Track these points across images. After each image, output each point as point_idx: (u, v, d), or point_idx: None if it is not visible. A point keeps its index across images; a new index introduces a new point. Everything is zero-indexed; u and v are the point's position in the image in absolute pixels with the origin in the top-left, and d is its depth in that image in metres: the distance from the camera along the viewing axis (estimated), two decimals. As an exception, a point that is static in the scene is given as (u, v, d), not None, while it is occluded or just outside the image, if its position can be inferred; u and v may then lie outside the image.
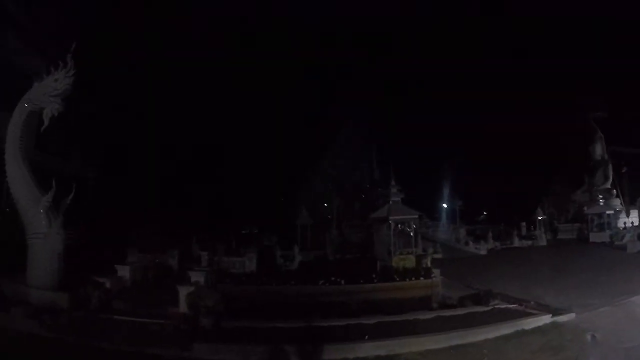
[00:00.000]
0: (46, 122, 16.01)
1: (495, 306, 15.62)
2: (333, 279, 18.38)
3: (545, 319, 14.13)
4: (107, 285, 16.75)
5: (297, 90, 56.94)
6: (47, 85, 16.15)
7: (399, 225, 24.17)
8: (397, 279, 19.14)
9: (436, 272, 20.08)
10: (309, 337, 11.90)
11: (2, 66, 24.48)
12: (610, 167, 52.75)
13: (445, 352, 11.35)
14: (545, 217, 50.91)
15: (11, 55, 25.23)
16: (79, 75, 16.23)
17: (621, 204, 50.10)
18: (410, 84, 65.96)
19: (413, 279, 19.29)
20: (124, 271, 19.60)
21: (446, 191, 55.78)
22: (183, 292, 14.82)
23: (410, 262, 22.01)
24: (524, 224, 50.49)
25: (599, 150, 53.69)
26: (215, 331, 12.74)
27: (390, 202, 25.00)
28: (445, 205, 55.81)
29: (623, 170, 53.07)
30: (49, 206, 15.85)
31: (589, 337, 11.95)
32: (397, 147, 57.22)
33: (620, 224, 45.39)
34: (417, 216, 24.85)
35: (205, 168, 48.32)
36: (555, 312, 14.73)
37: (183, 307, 14.50)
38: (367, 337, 11.75)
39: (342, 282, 18.23)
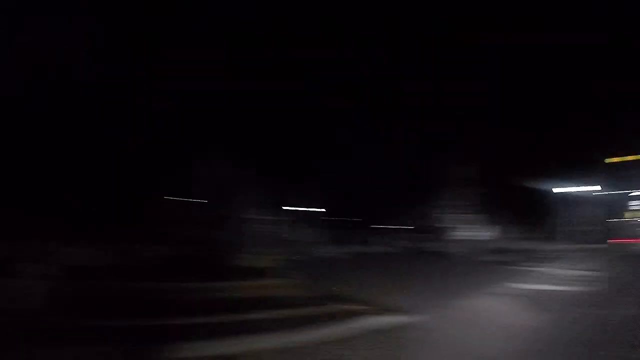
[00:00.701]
0: None
1: (340, 306, 16.05)
2: (181, 276, 18.13)
3: (386, 319, 14.82)
4: None
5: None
6: None
7: (254, 224, 24.22)
8: (249, 278, 19.13)
9: (289, 272, 20.33)
10: (154, 335, 11.73)
11: None
12: (470, 186, 56.78)
13: (287, 352, 11.56)
14: (405, 225, 53.35)
15: None
16: None
17: (460, 218, 54.23)
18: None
19: (265, 278, 19.40)
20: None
21: (307, 192, 56.39)
22: (36, 287, 14.05)
23: (262, 261, 22.12)
24: (379, 230, 52.37)
25: (459, 170, 57.31)
26: (56, 330, 12.18)
27: (248, 200, 24.98)
28: (304, 207, 56.52)
29: (469, 190, 57.50)
30: None
31: (423, 335, 12.81)
32: (260, 143, 56.83)
33: (456, 236, 48.98)
34: (274, 216, 25.01)
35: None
36: (396, 313, 15.49)
37: (35, 303, 13.71)
38: (211, 336, 11.73)
39: (192, 279, 17.97)
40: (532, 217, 64.34)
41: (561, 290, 23.83)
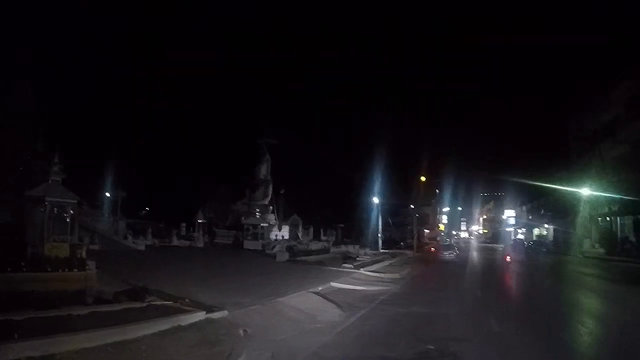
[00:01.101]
0: None
1: (152, 302, 15.43)
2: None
3: (200, 315, 14.46)
4: None
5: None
6: None
7: (55, 209, 22.34)
8: (49, 270, 17.62)
9: (91, 264, 19.22)
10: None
11: None
12: (270, 186, 58.47)
13: (102, 349, 10.75)
14: (205, 221, 53.34)
15: None
16: None
17: (275, 219, 55.82)
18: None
19: (66, 270, 18.01)
20: None
21: (109, 180, 53.96)
22: None
23: (64, 251, 20.38)
24: (184, 224, 52.04)
25: (263, 170, 59.39)
26: None
27: (50, 181, 22.96)
28: (107, 195, 54.07)
29: (281, 192, 59.56)
30: None
31: (241, 331, 13.00)
32: (68, 120, 53.25)
33: (273, 236, 50.01)
34: (76, 202, 23.21)
35: None
36: (210, 309, 15.23)
37: None
38: (16, 335, 10.35)
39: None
40: (346, 222, 68.55)
41: (366, 290, 25.61)
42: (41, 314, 12.37)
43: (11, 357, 9.59)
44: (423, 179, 78.73)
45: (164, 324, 12.97)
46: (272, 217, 56.06)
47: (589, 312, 22.02)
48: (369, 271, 33.73)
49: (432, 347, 12.99)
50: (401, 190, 74.38)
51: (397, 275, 33.01)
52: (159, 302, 15.58)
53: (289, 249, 42.34)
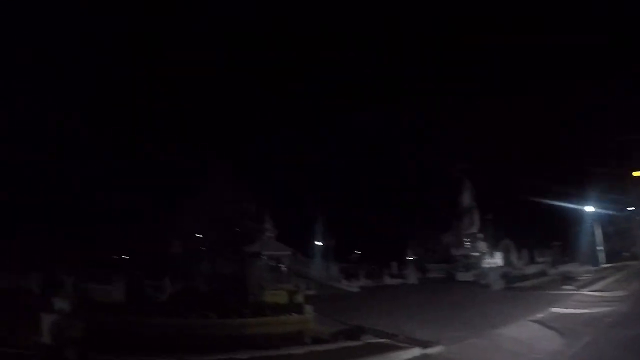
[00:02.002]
0: None
1: (367, 341, 15.64)
2: (204, 312, 17.75)
3: (416, 351, 14.39)
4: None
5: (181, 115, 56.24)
6: None
7: (272, 261, 23.88)
8: (270, 314, 18.69)
9: (308, 308, 19.91)
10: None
11: None
12: (476, 213, 56.22)
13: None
14: (415, 257, 52.77)
15: None
16: None
17: (486, 246, 53.33)
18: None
19: (285, 314, 18.97)
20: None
21: (320, 228, 55.97)
22: (46, 320, 13.75)
23: (282, 297, 21.69)
24: (395, 263, 51.86)
25: (466, 198, 57.35)
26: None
27: (264, 237, 24.70)
28: (318, 243, 56.07)
29: (488, 217, 56.73)
30: None
31: None
32: (272, 182, 57.12)
33: (485, 265, 48.00)
34: (290, 252, 24.71)
35: (74, 188, 46.21)
36: (425, 345, 15.02)
37: (46, 336, 13.43)
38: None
39: (214, 315, 17.61)
40: (561, 239, 62.63)
41: (590, 313, 23.62)
42: (262, 353, 13.19)
43: None
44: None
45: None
46: (482, 245, 53.81)
47: None
48: (592, 291, 31.56)
49: None
50: (615, 193, 64.55)
51: (623, 293, 30.23)
52: (374, 340, 15.78)
53: (503, 276, 40.84)
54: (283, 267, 24.04)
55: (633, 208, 66.28)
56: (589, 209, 56.95)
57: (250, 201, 51.54)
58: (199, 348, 13.41)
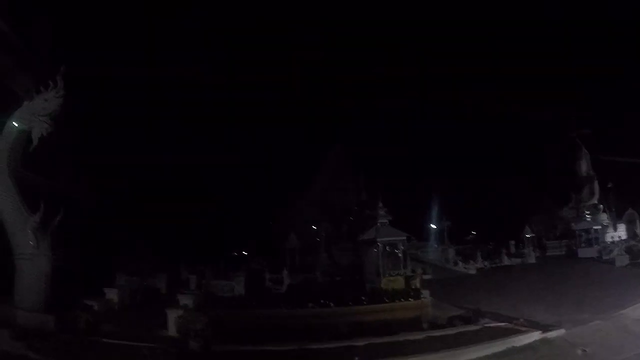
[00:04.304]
0: (35, 142, 16.07)
1: (485, 325, 15.53)
2: (322, 301, 18.25)
3: (535, 335, 14.11)
4: (95, 307, 16.78)
5: (286, 112, 57.28)
6: (37, 104, 16.24)
7: (387, 247, 23.98)
8: (387, 301, 18.92)
9: (425, 293, 19.97)
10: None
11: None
12: (596, 183, 53.35)
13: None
14: (533, 234, 50.79)
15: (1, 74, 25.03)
16: (69, 95, 16.30)
17: (608, 218, 50.26)
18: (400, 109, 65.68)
19: (402, 300, 19.14)
20: (112, 294, 19.62)
21: (434, 211, 55.44)
22: (172, 315, 14.85)
23: (399, 283, 21.85)
24: (512, 242, 50.47)
25: (584, 167, 54.35)
26: (204, 355, 12.63)
27: (378, 224, 24.83)
28: (433, 226, 55.58)
29: (609, 186, 53.21)
30: (36, 227, 15.74)
31: (579, 351, 12.10)
32: (384, 168, 57.05)
33: (608, 239, 45.51)
34: (405, 237, 24.65)
35: (195, 190, 48.18)
36: (545, 329, 14.71)
37: (172, 330, 14.44)
38: (357, 359, 11.56)
39: (332, 304, 18.09)
40: None
41: None
42: (380, 339, 13.53)
43: None
44: None
45: (497, 346, 13.04)
46: (604, 217, 50.72)
47: None
48: None
49: None
50: None
51: None
52: (492, 324, 15.66)
53: (628, 250, 38.24)
54: (399, 253, 24.01)
55: None
56: None
57: (361, 188, 51.96)
58: (318, 336, 13.91)
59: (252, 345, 13.12)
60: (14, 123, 16.41)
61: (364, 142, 57.84)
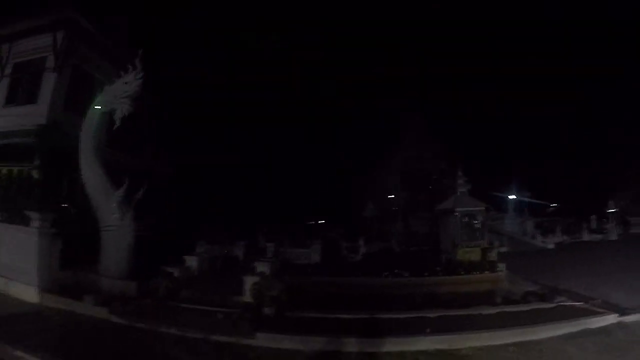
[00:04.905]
0: (117, 122, 17.23)
1: (560, 303, 15.23)
2: (397, 271, 18.44)
3: (611, 318, 13.58)
4: (176, 274, 17.55)
5: (360, 81, 57.25)
6: (118, 88, 17.49)
7: (465, 218, 23.81)
8: (462, 273, 18.90)
9: (501, 266, 19.82)
10: (371, 328, 12.04)
11: (75, 72, 25.67)
12: None
13: (504, 348, 11.24)
14: (617, 209, 49.02)
15: (83, 61, 26.31)
16: (147, 77, 17.17)
17: None
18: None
19: (478, 272, 19.07)
20: (192, 261, 20.33)
21: (514, 182, 54.35)
22: (248, 282, 15.44)
23: (475, 255, 21.74)
24: (594, 216, 48.80)
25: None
26: (278, 320, 13.06)
27: (457, 194, 24.67)
28: (512, 197, 54.58)
29: None
30: (121, 200, 17.09)
31: None
32: (464, 137, 56.33)
33: None
34: (483, 208, 24.33)
35: (275, 161, 49.15)
36: (623, 312, 14.07)
37: (248, 296, 15.01)
38: (428, 330, 11.76)
39: (406, 274, 18.26)
40: None
41: None
42: (452, 312, 13.62)
43: (422, 348, 11.20)
44: None
45: (570, 327, 12.76)
46: None
47: None
48: None
49: None
50: None
51: None
52: (568, 303, 15.28)
53: None
54: (476, 224, 23.76)
55: None
56: None
57: (441, 157, 51.51)
58: (390, 306, 14.13)
59: (325, 312, 13.44)
60: (97, 106, 17.67)
61: (445, 112, 57.07)
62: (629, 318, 13.71)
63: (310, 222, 50.12)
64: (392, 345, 11.24)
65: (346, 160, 53.73)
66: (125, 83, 17.28)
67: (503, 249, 30.04)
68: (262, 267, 16.91)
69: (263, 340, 11.68)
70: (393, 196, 49.76)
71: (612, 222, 46.01)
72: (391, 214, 43.76)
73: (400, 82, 59.83)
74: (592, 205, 51.63)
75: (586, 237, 42.63)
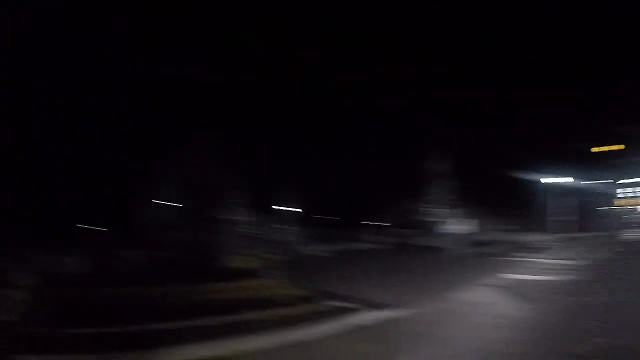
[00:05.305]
0: None
1: (329, 304, 16.04)
2: (172, 279, 18.07)
3: (375, 315, 14.81)
4: None
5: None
6: None
7: (243, 226, 24.13)
8: (232, 280, 19.05)
9: (273, 272, 20.31)
10: (143, 341, 11.61)
11: None
12: (441, 179, 56.74)
13: (278, 350, 11.52)
14: (387, 222, 53.54)
15: None
16: None
17: (449, 211, 54.23)
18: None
19: (252, 279, 19.37)
20: None
21: (290, 192, 56.07)
22: (7, 296, 14.03)
23: (251, 262, 22.09)
24: (365, 227, 52.49)
25: (433, 164, 57.29)
26: (42, 339, 12.04)
27: (236, 203, 24.90)
28: (289, 208, 56.30)
29: (450, 184, 57.41)
30: None
31: (412, 329, 13.01)
32: (253, 149, 56.62)
33: (448, 229, 49.07)
34: (260, 217, 24.91)
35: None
36: (382, 308, 15.53)
37: (5, 313, 13.73)
38: (202, 338, 11.60)
39: (181, 283, 17.95)
40: (515, 208, 64.86)
41: (545, 280, 24.49)
42: (225, 318, 13.61)
43: (196, 357, 10.92)
44: (598, 149, 69.86)
45: (337, 325, 13.46)
46: (443, 211, 54.99)
47: None
48: (545, 258, 32.48)
49: (613, 342, 12.23)
50: (574, 166, 67.39)
51: (576, 262, 30.95)
52: (333, 304, 16.20)
53: (462, 241, 41.95)
54: (253, 232, 24.20)
55: (591, 182, 69.53)
56: (551, 180, 58.43)
57: (226, 167, 51.50)
58: (164, 316, 13.66)
59: (95, 327, 12.69)
60: None
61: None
62: (388, 314, 15.16)
63: (83, 228, 47.45)
64: (166, 356, 10.90)
65: (124, 164, 51.51)
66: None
67: (276, 257, 30.79)
68: (23, 278, 15.65)
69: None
70: (173, 203, 48.92)
71: (383, 232, 49.99)
72: (168, 221, 42.92)
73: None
74: (364, 216, 55.31)
75: (358, 245, 45.55)
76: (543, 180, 58.48)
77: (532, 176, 59.53)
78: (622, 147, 67.11)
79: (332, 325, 13.38)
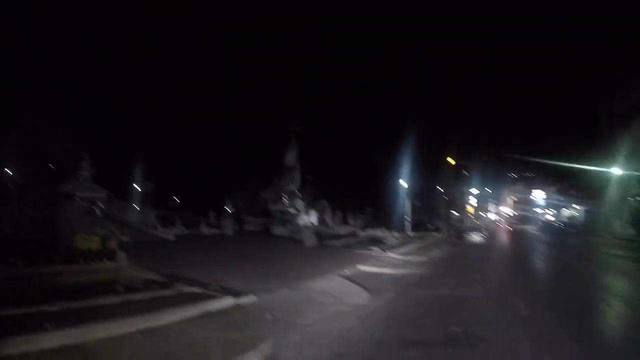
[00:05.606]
0: None
1: (181, 290, 15.81)
2: (10, 260, 16.65)
3: (229, 301, 14.84)
4: None
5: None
6: None
7: (86, 203, 22.90)
8: (82, 262, 18.01)
9: (122, 255, 19.50)
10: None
11: None
12: (298, 173, 58.02)
13: (133, 336, 11.12)
14: (234, 209, 53.84)
15: None
16: None
17: (303, 205, 55.54)
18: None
19: (98, 261, 18.41)
20: None
21: (138, 172, 54.47)
22: None
23: (95, 243, 20.92)
24: (212, 213, 52.23)
25: (291, 157, 58.34)
26: None
27: (79, 177, 23.57)
28: (136, 187, 54.60)
29: (309, 178, 59.31)
30: None
31: (268, 316, 13.32)
32: (100, 120, 54.02)
33: (301, 222, 50.05)
34: (105, 195, 23.79)
35: None
36: (238, 295, 15.58)
37: None
38: (48, 326, 10.70)
39: (21, 264, 16.62)
40: (374, 206, 68.89)
41: (398, 273, 26.24)
42: (74, 304, 12.77)
43: (45, 346, 9.96)
44: (451, 161, 78.57)
45: (192, 310, 13.32)
46: (300, 203, 55.63)
47: (616, 294, 22.38)
48: (397, 254, 34.20)
49: (459, 330, 13.21)
50: (429, 173, 73.93)
51: (424, 258, 33.51)
52: (188, 289, 15.98)
53: (317, 233, 42.88)
54: (97, 211, 22.96)
55: (440, 189, 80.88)
56: (404, 183, 61.72)
57: (68, 136, 48.63)
58: (5, 300, 12.47)
59: None
60: None
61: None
62: (243, 300, 15.34)
63: None
64: (11, 347, 9.70)
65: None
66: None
67: (125, 238, 29.70)
68: None
69: None
70: (11, 173, 45.69)
71: (229, 219, 49.94)
72: (6, 193, 40.03)
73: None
74: (211, 202, 55.17)
75: (205, 231, 45.40)
76: (403, 183, 61.23)
77: (394, 179, 62.90)
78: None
79: (189, 311, 13.24)
